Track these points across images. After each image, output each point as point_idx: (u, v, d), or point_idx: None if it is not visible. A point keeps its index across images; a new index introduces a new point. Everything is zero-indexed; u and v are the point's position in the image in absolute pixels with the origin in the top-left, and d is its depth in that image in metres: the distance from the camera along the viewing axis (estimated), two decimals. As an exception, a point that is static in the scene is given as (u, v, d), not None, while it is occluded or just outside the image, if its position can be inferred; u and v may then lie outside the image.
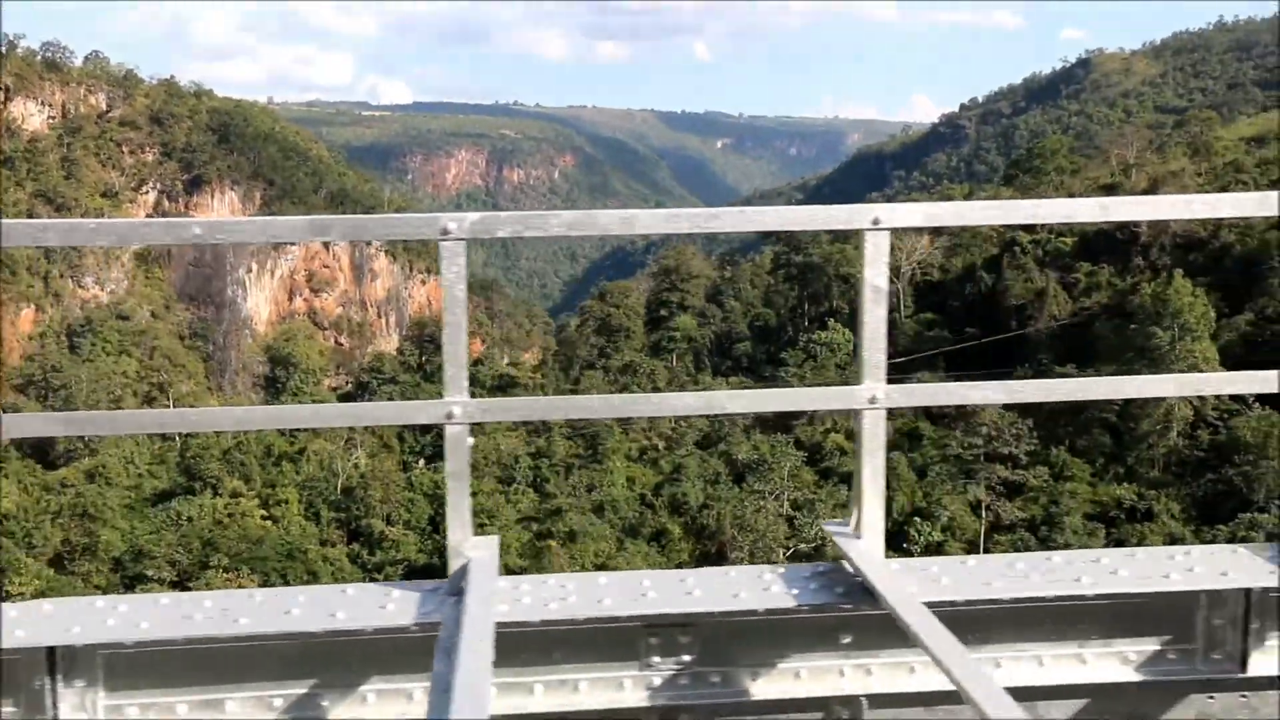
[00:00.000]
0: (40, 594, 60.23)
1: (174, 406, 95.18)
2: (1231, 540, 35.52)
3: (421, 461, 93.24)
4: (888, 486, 3.91)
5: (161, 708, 3.39)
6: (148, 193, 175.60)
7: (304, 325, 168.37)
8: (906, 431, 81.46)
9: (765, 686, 3.51)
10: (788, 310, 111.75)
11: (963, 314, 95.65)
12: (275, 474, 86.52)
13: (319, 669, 3.41)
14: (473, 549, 3.51)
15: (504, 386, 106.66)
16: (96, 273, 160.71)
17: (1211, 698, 3.64)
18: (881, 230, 3.44)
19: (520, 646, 3.40)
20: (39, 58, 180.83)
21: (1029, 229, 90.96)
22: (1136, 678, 3.59)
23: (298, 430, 79.89)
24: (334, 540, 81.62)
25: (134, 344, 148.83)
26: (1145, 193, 79.39)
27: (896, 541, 67.63)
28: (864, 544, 3.61)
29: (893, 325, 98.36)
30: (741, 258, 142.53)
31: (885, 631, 3.41)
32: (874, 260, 3.47)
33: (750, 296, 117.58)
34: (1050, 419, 74.10)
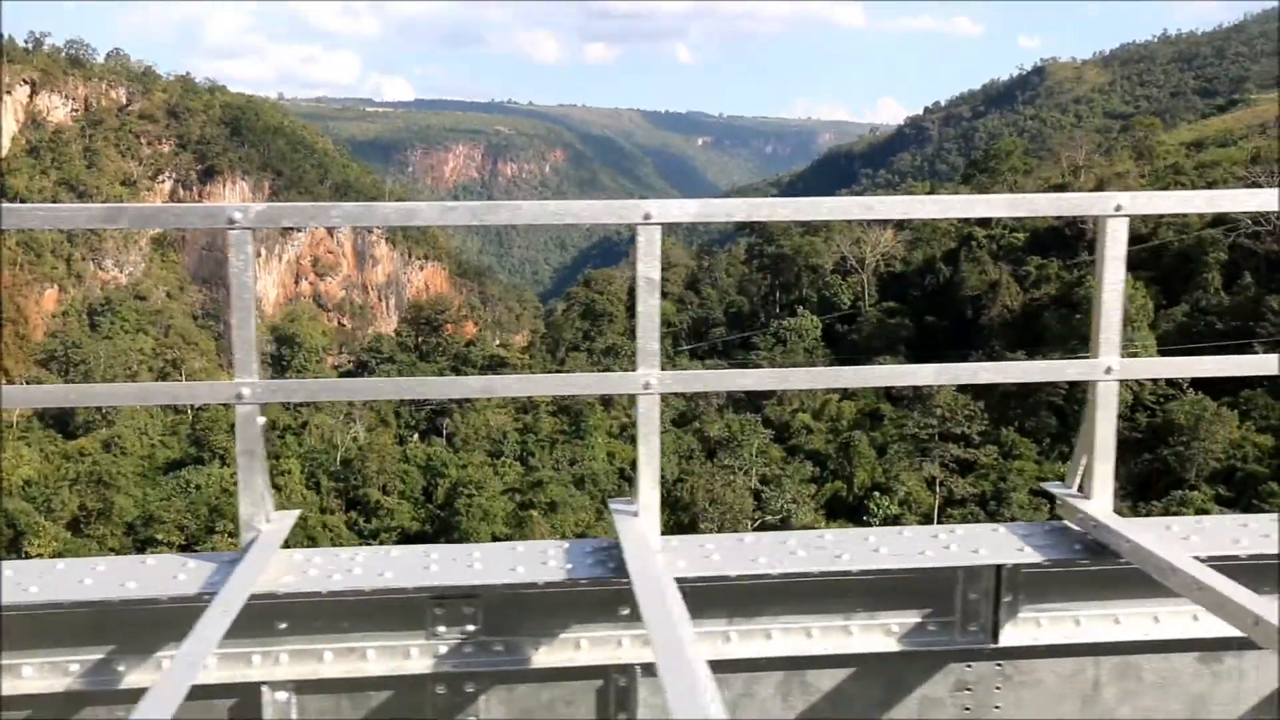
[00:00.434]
0: (57, 555, 59.83)
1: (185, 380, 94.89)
2: (1165, 514, 35.63)
3: (416, 435, 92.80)
4: (662, 470, 3.73)
5: None
6: (164, 182, 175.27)
7: (308, 307, 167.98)
8: (869, 412, 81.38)
9: (547, 655, 3.48)
10: (760, 298, 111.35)
11: (923, 303, 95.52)
12: (279, 446, 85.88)
13: (115, 636, 3.34)
14: (264, 523, 3.45)
15: (494, 367, 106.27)
16: (116, 255, 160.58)
17: (969, 666, 3.68)
18: (653, 225, 3.38)
19: (312, 615, 3.37)
20: (63, 54, 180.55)
21: (984, 223, 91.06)
22: (898, 648, 3.60)
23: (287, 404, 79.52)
24: (333, 509, 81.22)
25: (150, 323, 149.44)
26: (1095, 190, 79.17)
27: (857, 515, 67.55)
28: (640, 522, 3.56)
29: (858, 313, 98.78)
30: (719, 248, 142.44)
31: None
32: (646, 253, 3.40)
33: (726, 284, 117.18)
34: (1001, 401, 74.00)
